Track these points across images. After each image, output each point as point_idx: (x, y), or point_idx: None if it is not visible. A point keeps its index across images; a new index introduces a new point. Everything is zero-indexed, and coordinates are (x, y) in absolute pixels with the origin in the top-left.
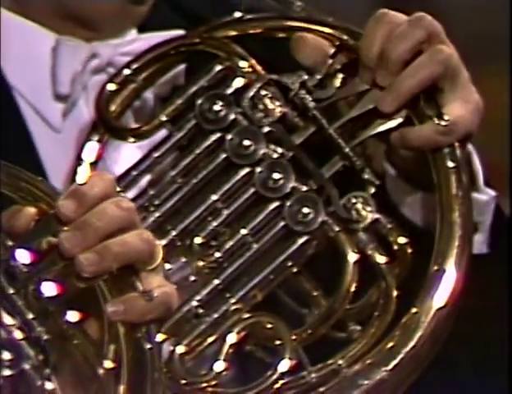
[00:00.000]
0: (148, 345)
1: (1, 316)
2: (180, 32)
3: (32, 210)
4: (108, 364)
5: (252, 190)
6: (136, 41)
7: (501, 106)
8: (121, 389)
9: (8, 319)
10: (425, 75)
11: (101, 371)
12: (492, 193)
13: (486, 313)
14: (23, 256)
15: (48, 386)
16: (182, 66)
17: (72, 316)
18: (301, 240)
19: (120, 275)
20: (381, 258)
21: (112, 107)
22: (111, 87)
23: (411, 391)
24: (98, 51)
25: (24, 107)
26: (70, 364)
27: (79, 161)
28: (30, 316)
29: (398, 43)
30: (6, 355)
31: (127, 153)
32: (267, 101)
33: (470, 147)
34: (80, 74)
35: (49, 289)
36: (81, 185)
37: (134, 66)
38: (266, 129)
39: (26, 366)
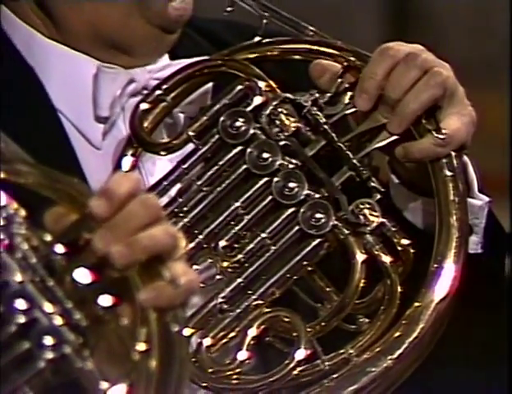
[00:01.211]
0: (176, 328)
1: (43, 305)
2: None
3: (69, 209)
4: (141, 345)
5: (270, 198)
6: (168, 67)
7: (501, 121)
8: (152, 368)
9: (49, 308)
10: (426, 98)
11: (134, 352)
12: (486, 198)
13: (482, 309)
14: (62, 251)
15: (88, 367)
16: (209, 86)
17: (107, 302)
18: (314, 242)
19: (149, 265)
20: (386, 258)
21: (145, 124)
22: (144, 106)
23: (412, 391)
24: (134, 77)
25: (68, 127)
26: (107, 345)
27: (116, 172)
28: (69, 304)
29: (397, 85)
30: (49, 341)
31: (160, 166)
32: (283, 117)
33: (466, 158)
34: (118, 98)
35: (85, 277)
36: (110, 185)
37: (165, 86)
38: (282, 142)
39: (67, 350)
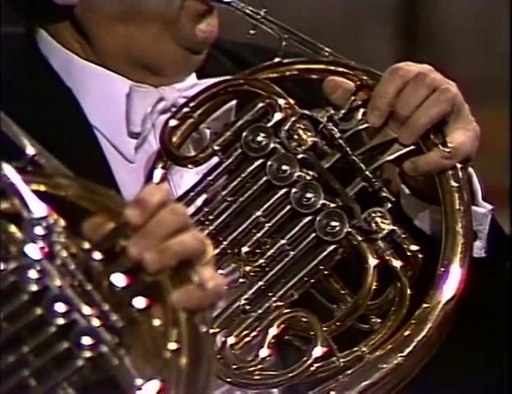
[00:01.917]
0: (204, 328)
1: (81, 308)
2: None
3: (106, 218)
4: (172, 345)
5: (288, 207)
6: (196, 86)
7: (502, 136)
8: (183, 365)
9: (87, 310)
10: (435, 113)
11: (166, 351)
12: (489, 206)
13: (485, 311)
14: (99, 257)
15: (123, 365)
16: (232, 103)
17: (141, 304)
18: (330, 248)
19: (179, 269)
20: (396, 263)
21: (174, 139)
22: (172, 122)
23: (414, 390)
24: (164, 95)
25: (103, 143)
26: (141, 344)
27: (147, 184)
28: (106, 307)
29: (406, 103)
30: (87, 341)
31: (187, 178)
32: (301, 132)
33: (471, 170)
34: (149, 114)
35: (120, 281)
36: (143, 195)
37: (192, 104)
38: (300, 155)
39: (104, 349)
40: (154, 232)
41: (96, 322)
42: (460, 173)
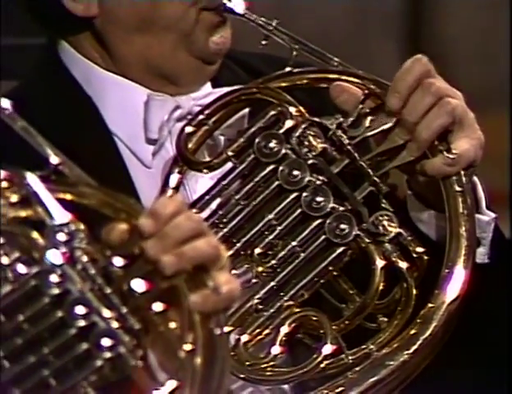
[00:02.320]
0: (218, 331)
1: (101, 311)
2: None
3: (125, 225)
4: (187, 346)
5: (299, 210)
6: (210, 95)
7: (503, 142)
8: (197, 366)
9: (107, 313)
10: (437, 125)
11: (181, 352)
12: (492, 215)
13: (486, 315)
14: (119, 262)
15: (141, 365)
16: (245, 111)
17: (158, 307)
18: (339, 250)
19: (194, 274)
20: (403, 264)
21: (190, 145)
22: (188, 129)
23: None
24: (180, 103)
25: (122, 149)
26: (162, 345)
27: (164, 188)
28: (124, 310)
29: (413, 110)
30: (106, 342)
31: (202, 183)
32: (311, 138)
33: (476, 179)
34: (166, 122)
35: (139, 286)
36: (157, 207)
37: (207, 112)
38: (310, 161)
39: (122, 350)
40: (170, 236)
41: (115, 325)
42: (464, 179)
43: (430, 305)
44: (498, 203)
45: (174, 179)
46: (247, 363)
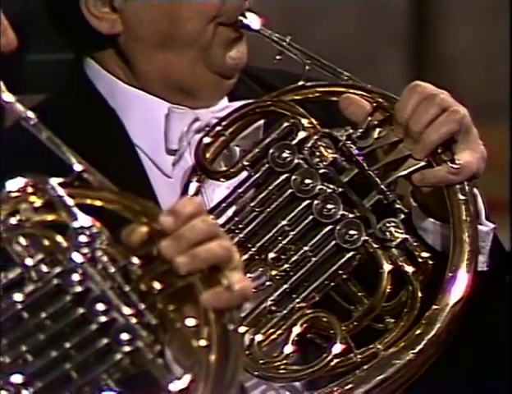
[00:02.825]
0: (232, 327)
1: (121, 307)
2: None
3: (144, 227)
4: (202, 342)
5: (311, 217)
6: (227, 108)
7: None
8: (212, 361)
9: (126, 309)
10: (445, 130)
11: (197, 347)
12: (491, 225)
13: (486, 317)
14: (137, 262)
15: (158, 359)
16: (260, 123)
17: (174, 304)
18: (348, 255)
19: (209, 273)
20: (409, 268)
21: (207, 155)
22: (206, 140)
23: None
24: (199, 116)
25: (144, 159)
26: (178, 341)
27: (183, 196)
28: (142, 306)
29: (419, 120)
30: (125, 336)
31: (219, 192)
32: (322, 149)
33: (477, 191)
34: (185, 134)
35: (156, 284)
36: (177, 206)
37: (223, 123)
38: (321, 170)
39: (140, 344)
40: (186, 237)
41: (133, 320)
42: (467, 188)
43: (434, 307)
44: (499, 210)
45: (193, 187)
46: (261, 361)
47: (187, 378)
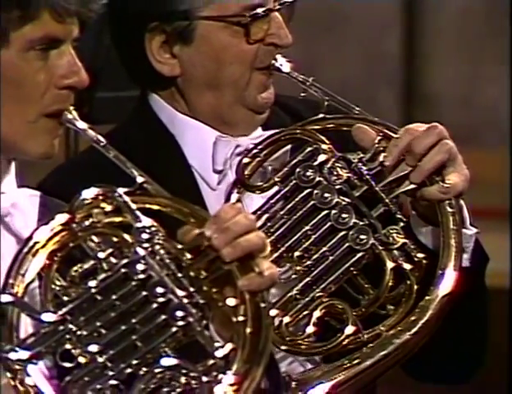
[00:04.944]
0: (263, 305)
1: (175, 290)
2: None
3: (194, 226)
4: (240, 317)
5: (329, 224)
6: (262, 136)
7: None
8: (248, 332)
9: (180, 292)
10: (437, 160)
11: (236, 322)
12: (474, 229)
13: (467, 305)
14: (188, 254)
15: (206, 331)
16: (288, 147)
17: (217, 287)
18: (359, 255)
19: (244, 261)
20: (407, 266)
21: (246, 172)
22: (245, 161)
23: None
24: (240, 143)
25: (197, 176)
26: (219, 316)
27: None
28: (192, 289)
29: (420, 144)
30: (179, 314)
31: (255, 202)
32: (338, 169)
33: (462, 203)
34: (229, 157)
35: (203, 271)
36: (220, 211)
37: (259, 147)
38: (337, 186)
39: (190, 319)
40: (231, 230)
41: (185, 300)
42: (454, 203)
43: (427, 298)
44: (500, 218)
45: (234, 198)
46: (288, 338)
47: (229, 346)
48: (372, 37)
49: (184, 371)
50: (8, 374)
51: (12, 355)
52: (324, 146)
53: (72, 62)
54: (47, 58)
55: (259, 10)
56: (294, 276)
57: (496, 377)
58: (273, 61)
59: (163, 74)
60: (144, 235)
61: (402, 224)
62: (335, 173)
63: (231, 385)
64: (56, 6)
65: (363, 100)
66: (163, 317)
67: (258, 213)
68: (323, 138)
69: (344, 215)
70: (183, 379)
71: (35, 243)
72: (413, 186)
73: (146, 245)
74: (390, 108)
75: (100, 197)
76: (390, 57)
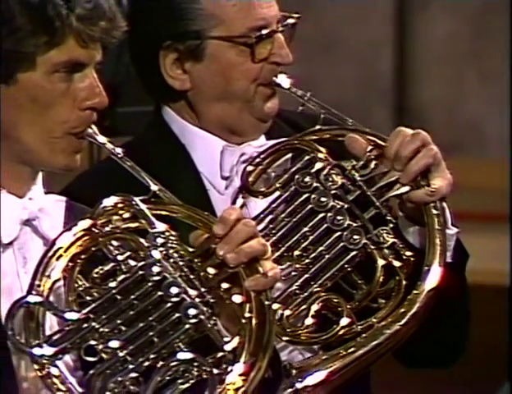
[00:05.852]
0: (267, 302)
1: (188, 290)
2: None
3: (204, 231)
4: (246, 314)
5: (325, 225)
6: (265, 145)
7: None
8: (253, 327)
9: (192, 292)
10: (423, 164)
11: (242, 318)
12: (455, 229)
13: (450, 297)
14: (198, 257)
15: (215, 327)
16: (289, 156)
17: (225, 287)
18: (352, 253)
19: (249, 263)
20: (396, 263)
21: (250, 179)
22: (249, 168)
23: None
24: (244, 151)
25: (206, 182)
26: (227, 313)
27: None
28: (203, 289)
29: (406, 149)
30: (192, 311)
31: (259, 205)
32: (334, 176)
33: (445, 205)
34: (235, 165)
35: (212, 272)
36: (224, 214)
37: (262, 156)
38: (333, 191)
39: (202, 316)
40: (233, 239)
41: (197, 300)
42: (439, 205)
43: (414, 292)
44: (500, 222)
45: (239, 202)
46: (288, 330)
47: (236, 340)
48: (366, 57)
49: (196, 364)
50: (36, 366)
51: (39, 351)
52: (320, 155)
53: (94, 85)
54: (71, 81)
55: (264, 31)
56: (294, 273)
57: (496, 377)
58: (274, 78)
59: (175, 88)
60: (159, 240)
61: (391, 225)
62: (330, 179)
63: (240, 375)
64: (81, 33)
65: (357, 116)
66: (177, 315)
67: (261, 216)
68: (320, 147)
69: (339, 217)
70: (195, 371)
71: (59, 248)
72: (401, 191)
73: (161, 248)
74: (384, 123)
75: (119, 205)
76: (382, 76)
